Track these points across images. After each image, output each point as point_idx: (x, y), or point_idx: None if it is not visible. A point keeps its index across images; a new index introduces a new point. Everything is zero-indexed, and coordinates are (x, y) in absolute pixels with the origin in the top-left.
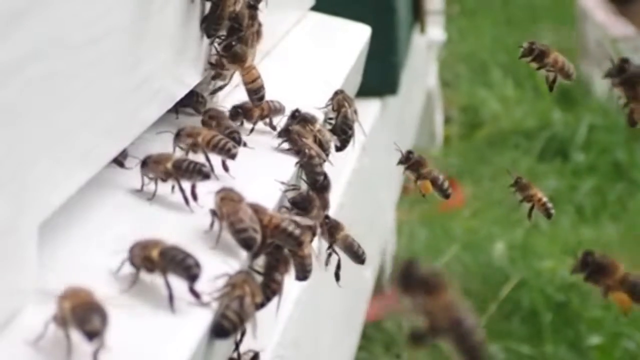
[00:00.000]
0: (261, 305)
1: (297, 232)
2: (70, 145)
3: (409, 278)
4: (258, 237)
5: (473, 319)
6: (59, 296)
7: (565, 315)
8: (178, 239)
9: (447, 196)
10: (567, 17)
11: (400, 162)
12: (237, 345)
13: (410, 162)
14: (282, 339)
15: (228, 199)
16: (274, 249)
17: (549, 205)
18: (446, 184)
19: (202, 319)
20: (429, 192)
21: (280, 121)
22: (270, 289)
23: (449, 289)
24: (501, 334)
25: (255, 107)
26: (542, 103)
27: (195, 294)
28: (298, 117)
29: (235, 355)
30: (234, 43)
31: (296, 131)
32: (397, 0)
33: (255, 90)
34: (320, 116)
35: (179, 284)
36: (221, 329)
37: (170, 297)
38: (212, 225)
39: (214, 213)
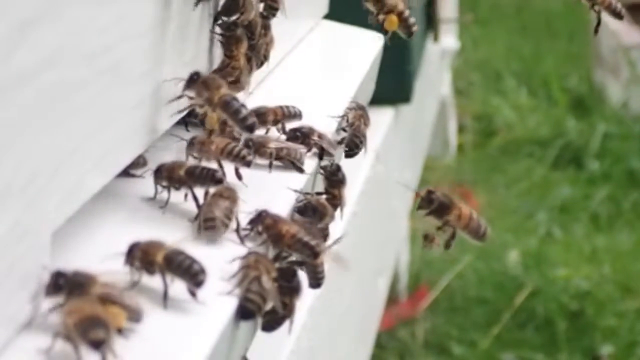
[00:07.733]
0: (273, 329)
1: (313, 242)
2: (83, 153)
3: None
4: (223, 228)
5: None
6: (62, 312)
7: (579, 323)
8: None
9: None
10: (581, 25)
11: None
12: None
13: None
14: (297, 347)
15: (217, 195)
16: (287, 274)
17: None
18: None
19: (216, 320)
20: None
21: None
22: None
23: None
24: (515, 343)
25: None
26: (556, 111)
27: (192, 293)
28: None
29: None
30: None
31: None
32: None
33: None
34: (332, 125)
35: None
36: (246, 311)
37: (165, 295)
38: (196, 217)
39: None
